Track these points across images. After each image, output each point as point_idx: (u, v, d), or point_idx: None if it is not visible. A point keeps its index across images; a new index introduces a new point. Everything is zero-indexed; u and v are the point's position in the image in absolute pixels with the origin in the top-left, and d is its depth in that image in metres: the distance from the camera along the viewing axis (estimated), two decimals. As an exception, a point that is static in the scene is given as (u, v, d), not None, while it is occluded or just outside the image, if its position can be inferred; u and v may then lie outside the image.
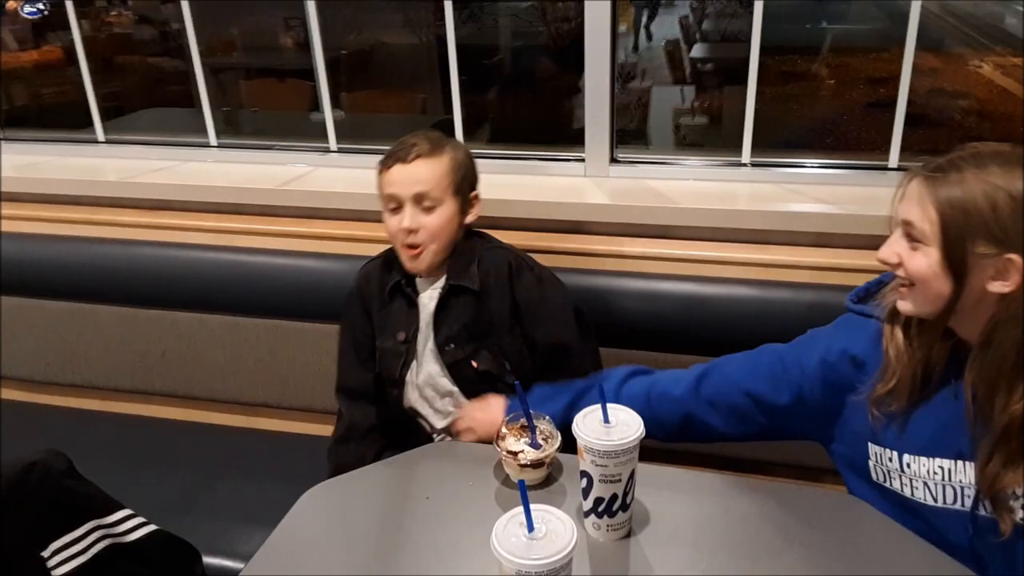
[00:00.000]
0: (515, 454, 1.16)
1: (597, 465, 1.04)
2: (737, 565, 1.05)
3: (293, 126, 2.79)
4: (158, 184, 1.98)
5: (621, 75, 3.22)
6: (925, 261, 1.02)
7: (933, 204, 1.00)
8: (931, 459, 1.10)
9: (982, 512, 1.08)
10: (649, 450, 1.63)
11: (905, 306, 1.08)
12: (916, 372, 1.09)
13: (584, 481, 1.07)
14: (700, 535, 1.11)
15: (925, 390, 1.09)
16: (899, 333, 1.11)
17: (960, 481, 1.08)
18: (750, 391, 1.26)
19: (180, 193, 1.96)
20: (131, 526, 1.27)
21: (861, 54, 3.50)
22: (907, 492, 1.12)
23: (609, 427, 1.06)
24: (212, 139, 2.11)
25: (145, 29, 3.66)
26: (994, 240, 0.98)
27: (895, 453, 1.12)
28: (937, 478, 1.09)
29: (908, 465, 1.11)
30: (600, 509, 1.07)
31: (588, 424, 1.06)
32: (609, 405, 1.08)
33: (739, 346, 1.57)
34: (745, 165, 1.79)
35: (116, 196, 2.01)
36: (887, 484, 1.15)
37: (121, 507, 1.27)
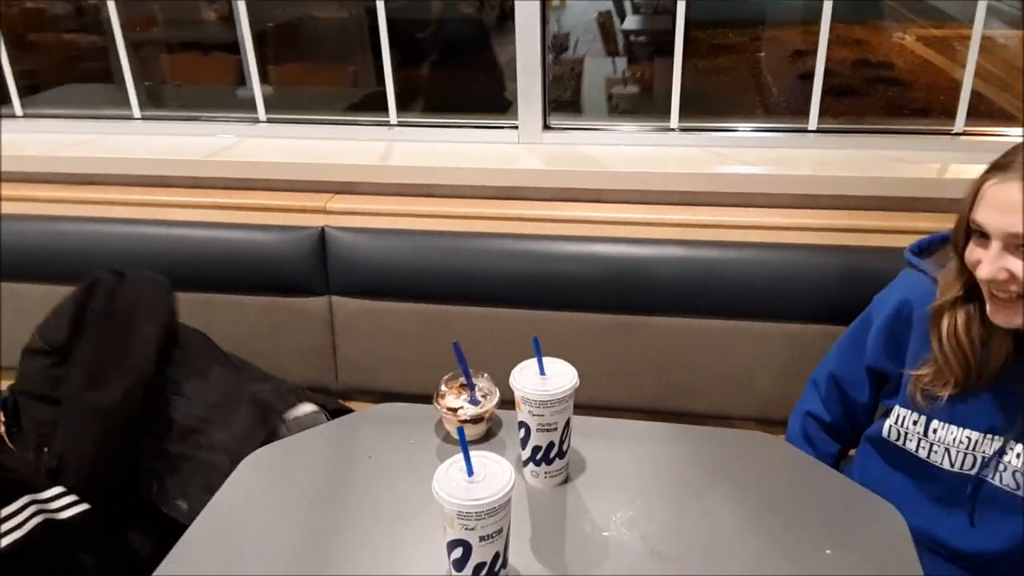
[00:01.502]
0: (455, 411, 1.19)
1: (534, 415, 1.07)
2: (666, 504, 1.11)
3: (218, 101, 2.73)
4: (80, 158, 1.92)
5: (554, 47, 3.25)
6: None
7: None
8: (961, 429, 1.12)
9: (994, 481, 1.11)
10: (587, 404, 1.69)
11: (1012, 319, 1.02)
12: (969, 364, 1.08)
13: (522, 431, 1.10)
14: (632, 478, 1.16)
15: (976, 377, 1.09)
16: (953, 326, 1.08)
17: (984, 452, 1.11)
18: (838, 377, 1.29)
19: (103, 167, 1.91)
20: (65, 503, 1.25)
21: (790, 27, 3.59)
22: (922, 455, 1.16)
23: (545, 378, 1.09)
24: (136, 111, 2.06)
25: (59, 5, 3.52)
26: None
27: (923, 418, 1.15)
28: (962, 447, 1.12)
29: (934, 431, 1.14)
30: (538, 457, 1.10)
31: (525, 376, 1.09)
32: (545, 358, 1.11)
33: (671, 303, 1.64)
34: (673, 130, 1.83)
35: (36, 171, 1.94)
36: (898, 442, 1.18)
37: (55, 484, 1.26)
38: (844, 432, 1.31)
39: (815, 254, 1.60)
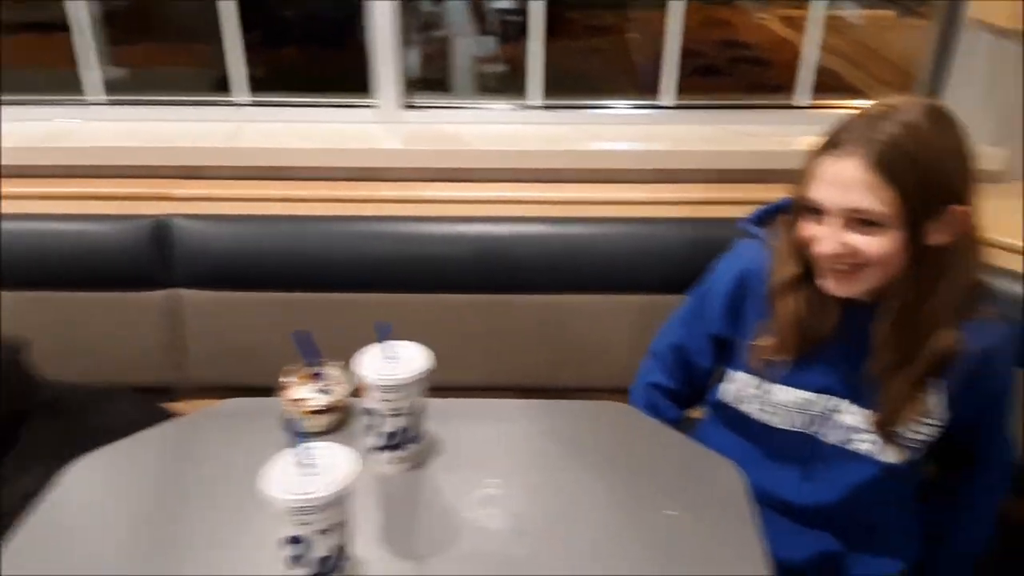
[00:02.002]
0: (299, 401, 1.15)
1: (383, 400, 1.05)
2: (523, 481, 1.10)
3: (64, 84, 2.54)
4: None
5: (425, 25, 3.19)
6: (888, 243, 1.00)
7: (889, 185, 0.97)
8: (796, 390, 1.16)
9: (825, 438, 1.16)
10: (454, 385, 1.67)
11: (850, 289, 1.05)
12: (808, 333, 1.11)
13: (371, 418, 1.07)
14: (489, 457, 1.15)
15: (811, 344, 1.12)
16: (794, 301, 1.10)
17: (816, 411, 1.15)
18: (681, 346, 1.30)
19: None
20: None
21: (662, 9, 3.65)
22: (760, 417, 1.19)
23: (393, 362, 1.06)
24: (-40, 96, 1.89)
25: None
26: (943, 198, 0.99)
27: (762, 382, 1.18)
28: (797, 407, 1.16)
29: (772, 394, 1.17)
30: (390, 444, 1.08)
31: (371, 361, 1.06)
32: (397, 342, 1.08)
33: (535, 281, 1.64)
34: (537, 107, 1.83)
35: None
36: (738, 406, 1.21)
37: None
38: (689, 397, 1.34)
39: (671, 227, 1.64)
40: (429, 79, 3.03)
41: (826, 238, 1.02)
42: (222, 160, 1.66)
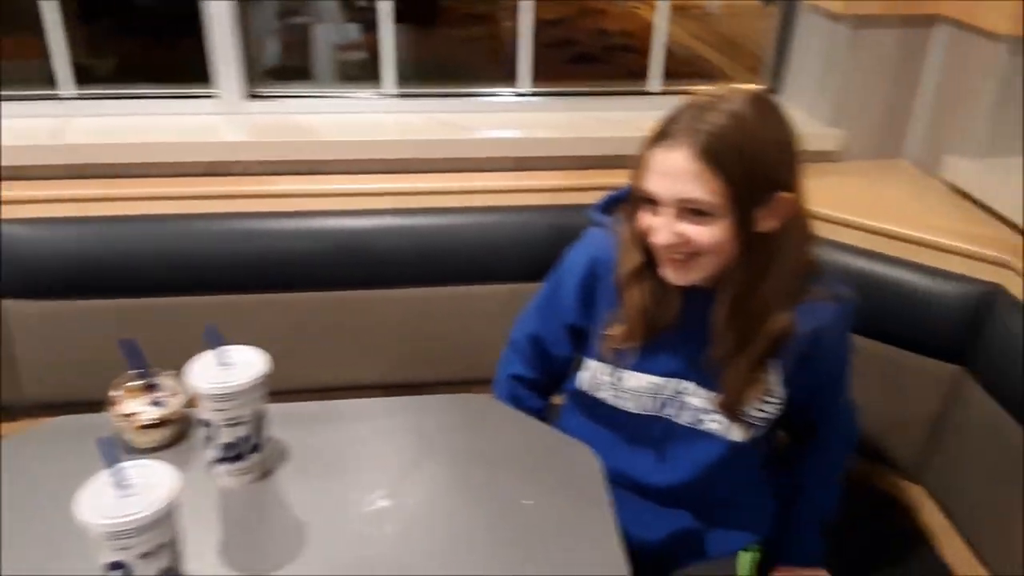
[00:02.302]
0: (133, 416, 1.08)
1: (218, 410, 0.99)
2: (377, 482, 1.07)
3: None
4: None
5: (285, 11, 3.08)
6: (718, 231, 1.01)
7: (717, 175, 0.98)
8: (646, 375, 1.17)
9: (676, 419, 1.18)
10: (315, 387, 1.61)
11: (686, 277, 1.07)
12: (653, 321, 1.13)
13: (208, 429, 1.01)
14: (340, 461, 1.11)
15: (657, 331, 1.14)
16: (639, 290, 1.12)
17: (665, 394, 1.17)
18: (538, 337, 1.29)
19: None
20: None
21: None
22: (613, 402, 1.20)
23: (227, 369, 1.00)
24: None
25: None
26: (769, 186, 1.01)
27: (614, 370, 1.18)
28: (647, 391, 1.18)
29: (624, 380, 1.18)
30: (229, 455, 1.03)
31: (203, 369, 1.00)
32: (231, 347, 1.03)
33: (397, 274, 1.60)
34: (392, 96, 1.78)
35: None
36: (593, 393, 1.22)
37: None
38: (550, 386, 1.35)
39: (532, 215, 1.63)
40: (288, 68, 2.95)
41: (660, 228, 1.03)
42: (46, 159, 1.53)
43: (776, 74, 1.83)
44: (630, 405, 1.20)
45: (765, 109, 1.03)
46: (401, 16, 3.20)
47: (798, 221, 1.07)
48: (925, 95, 1.68)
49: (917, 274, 1.39)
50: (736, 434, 1.16)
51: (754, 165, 0.99)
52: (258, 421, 1.03)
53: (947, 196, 1.58)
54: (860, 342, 1.41)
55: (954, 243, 1.38)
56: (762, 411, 1.15)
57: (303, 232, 1.57)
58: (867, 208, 1.51)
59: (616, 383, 1.19)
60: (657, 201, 1.03)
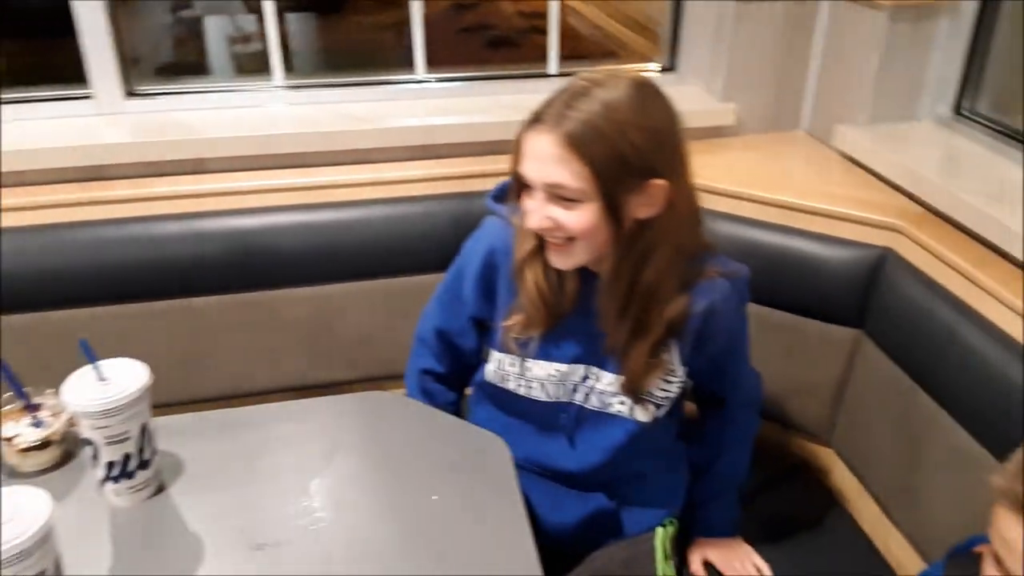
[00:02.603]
0: (12, 439, 1.01)
1: (98, 428, 0.94)
2: (280, 490, 1.03)
3: None
4: None
5: (176, 5, 2.95)
6: (587, 216, 1.01)
7: (582, 161, 0.97)
8: (551, 363, 1.16)
9: (585, 404, 1.18)
10: (215, 396, 1.55)
11: (566, 262, 1.07)
12: (551, 308, 1.11)
13: (90, 449, 0.96)
14: (239, 472, 1.07)
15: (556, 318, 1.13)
16: (533, 277, 1.10)
17: (572, 381, 1.17)
18: (443, 330, 1.27)
19: None
20: None
21: None
22: (521, 392, 1.19)
23: (105, 385, 0.95)
24: None
25: None
26: (639, 173, 1.00)
27: (518, 360, 1.17)
28: (553, 379, 1.17)
29: (529, 369, 1.17)
30: (115, 474, 0.97)
31: (78, 387, 0.94)
32: (109, 360, 0.97)
33: (300, 273, 1.55)
34: (282, 88, 1.72)
35: None
36: (500, 384, 1.21)
37: None
38: (460, 378, 1.33)
39: (437, 203, 1.60)
40: (182, 63, 2.83)
41: (533, 212, 1.03)
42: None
43: (672, 51, 1.84)
44: (538, 393, 1.19)
45: (644, 96, 1.01)
46: (306, 4, 3.11)
47: (681, 207, 1.06)
48: (815, 66, 1.72)
49: (813, 242, 1.41)
50: (641, 415, 1.17)
51: (621, 152, 0.98)
52: (144, 436, 0.98)
53: (840, 165, 1.61)
54: (762, 312, 1.45)
55: (847, 210, 1.40)
56: (664, 391, 1.16)
57: (192, 234, 1.50)
58: (763, 180, 1.53)
59: (522, 373, 1.18)
60: (530, 185, 1.03)
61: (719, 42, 1.70)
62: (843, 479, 1.48)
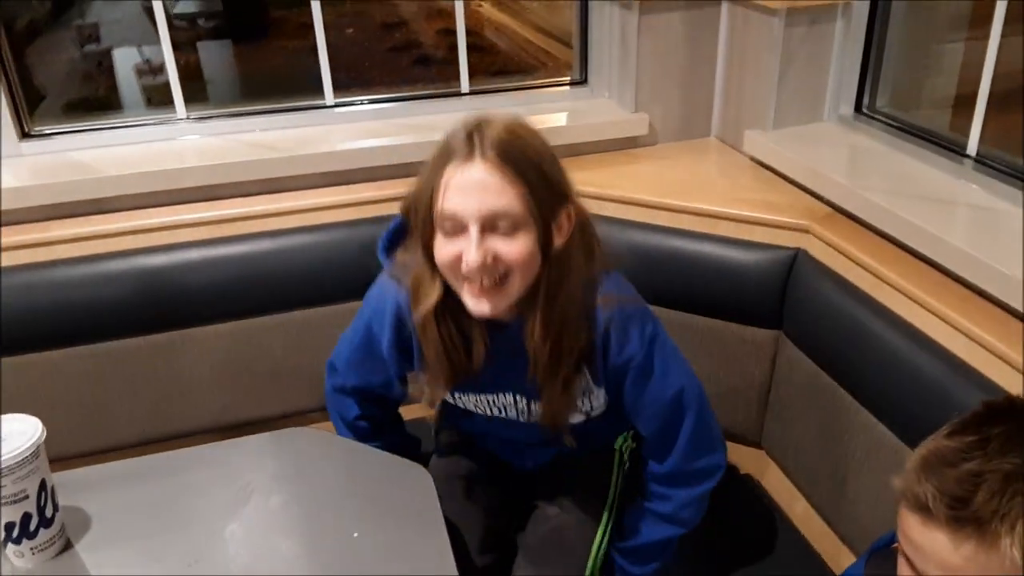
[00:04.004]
0: None
1: (-10, 490, 0.89)
2: (194, 538, 0.99)
3: None
4: None
5: (81, 38, 2.87)
6: (526, 244, 0.98)
7: (519, 184, 0.95)
8: (476, 395, 1.17)
9: (520, 420, 1.18)
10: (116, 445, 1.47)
11: (498, 304, 1.01)
12: (458, 367, 1.09)
13: (-18, 512, 0.90)
14: (149, 522, 1.02)
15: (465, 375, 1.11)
16: (438, 335, 1.06)
17: (502, 403, 1.17)
18: (363, 388, 1.24)
19: None
20: None
21: (375, 1, 3.57)
22: (460, 404, 1.20)
23: (-6, 443, 0.90)
24: None
25: None
26: (559, 199, 1.00)
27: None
28: (483, 405, 1.18)
29: (459, 397, 1.18)
30: (16, 535, 0.92)
31: (-36, 447, 0.89)
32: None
33: (215, 309, 1.50)
34: (183, 120, 1.68)
35: None
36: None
37: None
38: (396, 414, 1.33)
39: (352, 230, 1.57)
40: (92, 99, 2.74)
41: (469, 249, 0.96)
42: None
43: (583, 64, 1.85)
44: (473, 408, 1.20)
45: (531, 127, 1.02)
46: (228, 31, 3.04)
47: (580, 234, 1.06)
48: (721, 73, 1.75)
49: (727, 247, 1.43)
50: (574, 418, 1.17)
51: (544, 174, 0.98)
52: (44, 494, 0.93)
53: (750, 169, 1.64)
54: (684, 318, 1.46)
55: (758, 214, 1.42)
56: (589, 404, 1.16)
57: (96, 276, 1.45)
58: (677, 189, 1.54)
59: (455, 399, 1.18)
60: (460, 222, 0.97)
61: (626, 54, 1.71)
62: (775, 479, 1.49)
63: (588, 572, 1.21)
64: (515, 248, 0.98)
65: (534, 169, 0.97)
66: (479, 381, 1.14)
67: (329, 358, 1.28)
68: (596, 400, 1.16)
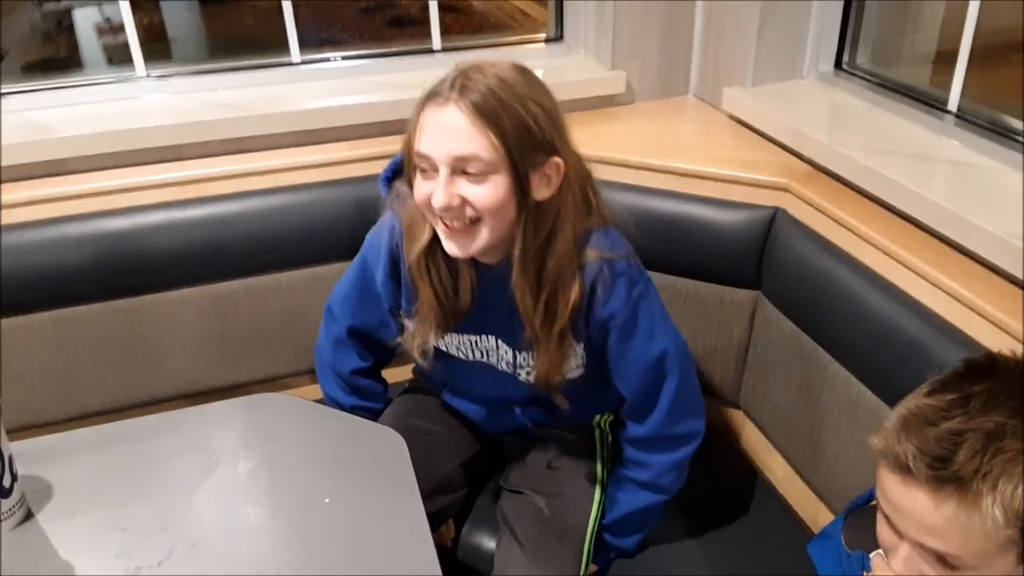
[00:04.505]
0: None
1: (-59, 460, 0.85)
2: (160, 507, 0.97)
3: None
4: None
5: (40, -4, 2.76)
6: (496, 191, 0.99)
7: (491, 130, 0.96)
8: (461, 335, 1.17)
9: (499, 367, 1.19)
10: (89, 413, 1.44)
11: (467, 248, 1.03)
12: (448, 310, 1.11)
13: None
14: (112, 490, 1.00)
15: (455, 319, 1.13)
16: (429, 278, 1.09)
17: (484, 346, 1.17)
18: (358, 329, 1.27)
19: None
20: None
21: None
22: (441, 347, 1.20)
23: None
24: None
25: None
26: (542, 149, 1.00)
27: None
28: (465, 347, 1.18)
29: (445, 339, 1.18)
30: (-28, 506, 0.89)
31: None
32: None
33: (182, 273, 1.46)
34: (143, 78, 1.62)
35: None
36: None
37: None
38: (385, 360, 1.34)
39: (326, 191, 1.53)
40: (53, 59, 2.65)
41: (436, 190, 0.98)
42: None
43: (559, 21, 1.80)
44: (454, 352, 1.20)
45: (529, 76, 1.03)
46: (179, -11, 2.94)
47: (570, 188, 1.06)
48: (699, 30, 1.71)
49: (706, 207, 1.40)
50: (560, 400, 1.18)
51: (525, 124, 0.98)
52: (1, 464, 0.90)
53: (729, 128, 1.61)
54: (661, 279, 1.44)
55: (737, 173, 1.40)
56: (574, 371, 1.17)
57: (58, 241, 1.40)
58: (655, 148, 1.51)
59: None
60: (432, 162, 0.99)
61: (603, 10, 1.67)
62: (753, 439, 1.49)
63: (584, 556, 1.21)
64: (483, 193, 0.99)
65: (514, 117, 0.97)
66: (464, 322, 1.14)
67: (327, 302, 1.30)
68: (576, 359, 1.15)
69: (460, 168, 0.98)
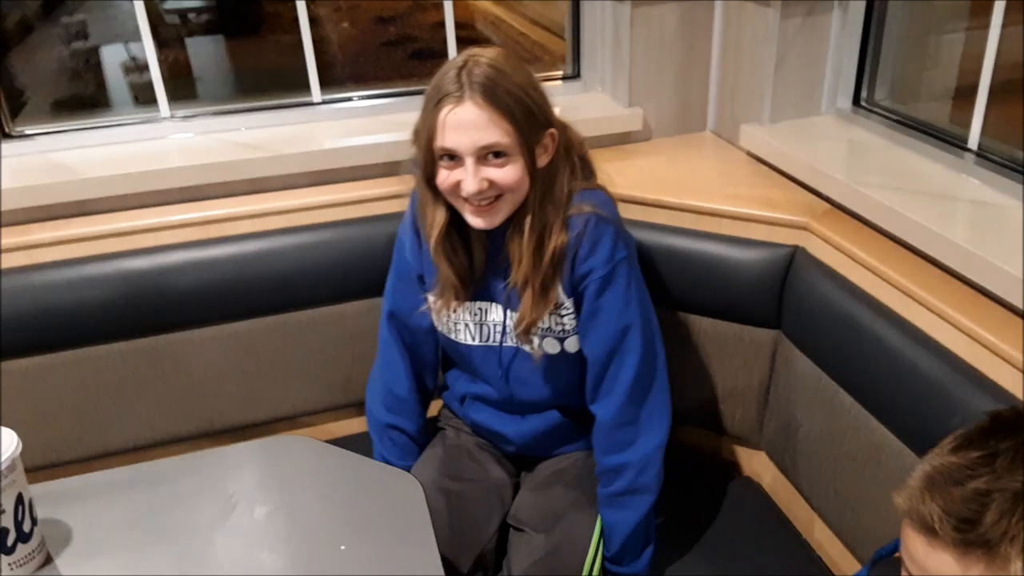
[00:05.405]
0: None
1: (-38, 506, 0.86)
2: (178, 551, 0.97)
3: None
4: None
5: (68, 35, 2.82)
6: (516, 170, 1.12)
7: (505, 118, 1.09)
8: (473, 302, 1.26)
9: (508, 344, 1.27)
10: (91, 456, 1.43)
11: (493, 220, 1.16)
12: (466, 282, 1.23)
13: (-46, 529, 0.88)
14: (131, 535, 1.00)
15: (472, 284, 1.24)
16: (447, 256, 1.20)
17: (492, 320, 1.26)
18: (394, 312, 1.34)
19: None
20: None
21: None
22: (452, 335, 1.29)
23: (-34, 457, 0.87)
24: None
25: None
26: (542, 124, 1.15)
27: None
28: (476, 319, 1.27)
29: (455, 310, 1.26)
30: (-12, 553, 0.90)
31: (-65, 463, 0.86)
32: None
33: (204, 312, 1.47)
34: (167, 119, 1.65)
35: None
36: (440, 329, 1.30)
37: None
38: (426, 385, 1.40)
39: (346, 230, 1.54)
40: (79, 97, 2.70)
41: (467, 178, 1.11)
42: None
43: (575, 58, 1.81)
44: (463, 336, 1.28)
45: (516, 60, 1.15)
46: (220, 26, 3.00)
47: (561, 154, 1.19)
48: (716, 67, 1.71)
49: (725, 245, 1.40)
50: (550, 346, 1.25)
51: (528, 106, 1.12)
52: (21, 508, 0.91)
53: (747, 165, 1.61)
54: (681, 318, 1.43)
55: (756, 211, 1.39)
56: (560, 324, 1.23)
57: (83, 280, 1.41)
58: (673, 185, 1.51)
59: (451, 315, 1.27)
60: (458, 155, 1.11)
61: (619, 47, 1.68)
62: (776, 482, 1.46)
63: None
64: (506, 174, 1.13)
65: (518, 103, 1.10)
66: (473, 288, 1.25)
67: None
68: (568, 319, 1.22)
69: (484, 155, 1.11)
